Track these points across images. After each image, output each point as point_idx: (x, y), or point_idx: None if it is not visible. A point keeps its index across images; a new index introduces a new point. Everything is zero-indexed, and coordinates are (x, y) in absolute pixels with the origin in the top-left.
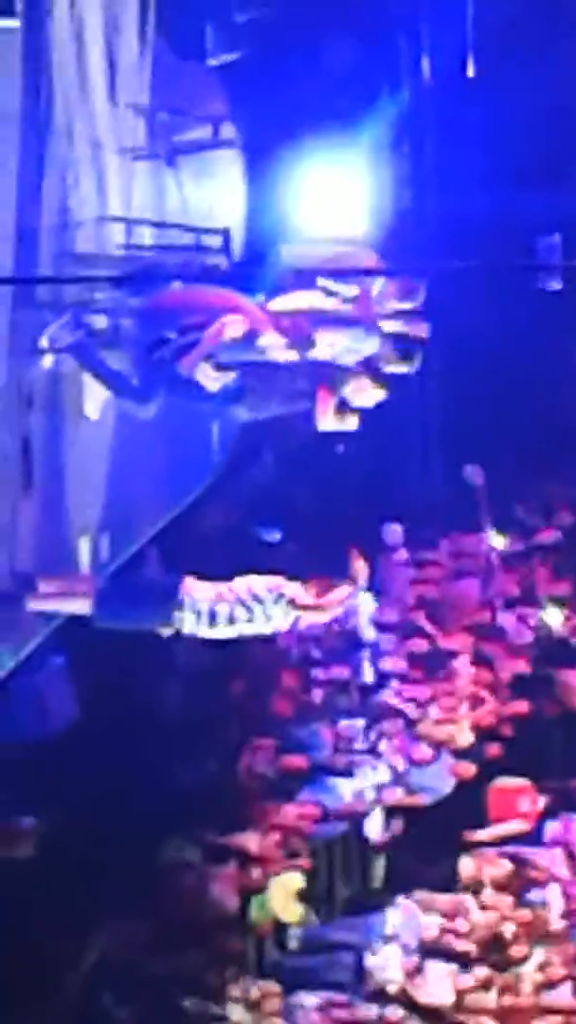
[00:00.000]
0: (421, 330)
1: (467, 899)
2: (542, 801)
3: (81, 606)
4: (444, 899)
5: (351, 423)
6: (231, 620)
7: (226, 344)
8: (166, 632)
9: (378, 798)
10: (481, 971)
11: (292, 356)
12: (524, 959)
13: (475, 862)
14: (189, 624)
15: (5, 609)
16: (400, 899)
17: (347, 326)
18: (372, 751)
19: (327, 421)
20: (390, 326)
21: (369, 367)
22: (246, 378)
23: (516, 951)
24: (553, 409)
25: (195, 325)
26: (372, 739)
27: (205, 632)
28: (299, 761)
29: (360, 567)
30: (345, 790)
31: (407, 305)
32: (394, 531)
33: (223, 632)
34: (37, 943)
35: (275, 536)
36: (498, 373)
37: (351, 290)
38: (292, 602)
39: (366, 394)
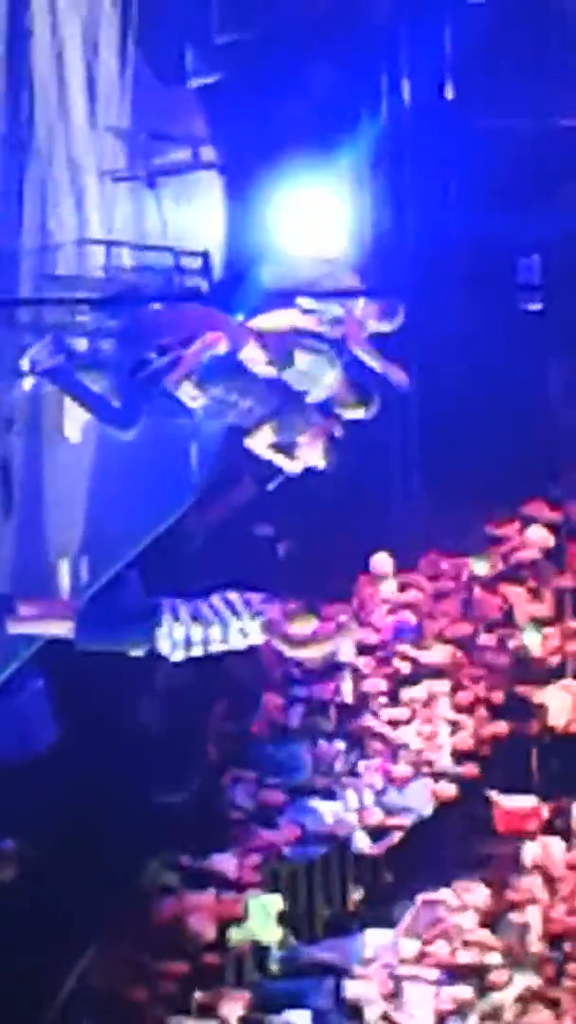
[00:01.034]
0: (398, 374)
1: (448, 923)
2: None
3: (62, 628)
4: (425, 922)
5: (293, 467)
6: (206, 643)
7: (206, 362)
8: (141, 652)
9: (359, 820)
10: (462, 994)
11: (271, 372)
12: (505, 984)
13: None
14: (165, 647)
15: None
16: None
17: (314, 352)
18: (352, 772)
19: (256, 444)
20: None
21: (325, 410)
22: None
23: (496, 976)
24: (532, 430)
25: (176, 344)
26: (352, 760)
27: (180, 656)
28: (277, 797)
29: (349, 628)
30: (326, 812)
31: (386, 326)
32: (383, 560)
33: (198, 652)
34: (15, 969)
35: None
36: (478, 393)
37: (333, 311)
38: (268, 625)
39: (312, 453)
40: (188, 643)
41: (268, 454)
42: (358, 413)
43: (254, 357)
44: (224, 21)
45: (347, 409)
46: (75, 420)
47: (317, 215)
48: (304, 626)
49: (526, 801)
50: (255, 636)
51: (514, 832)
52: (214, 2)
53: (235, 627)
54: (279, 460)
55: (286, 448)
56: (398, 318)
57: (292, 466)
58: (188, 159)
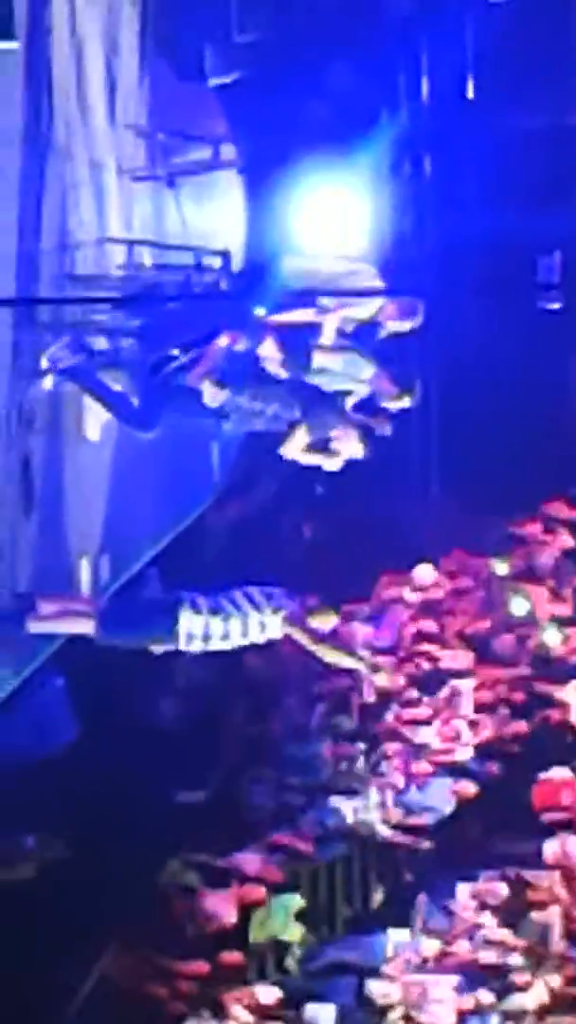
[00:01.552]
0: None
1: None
2: None
3: (83, 626)
4: (445, 922)
5: (333, 464)
6: (225, 636)
7: (227, 360)
8: (162, 648)
9: (380, 818)
10: (485, 995)
11: (285, 373)
12: (527, 986)
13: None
14: (184, 641)
15: (6, 629)
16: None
17: (343, 351)
18: (373, 771)
19: (292, 451)
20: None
21: (370, 406)
22: (244, 385)
23: (519, 978)
24: (553, 429)
25: (196, 342)
26: (373, 760)
27: (198, 647)
28: (298, 796)
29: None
30: (347, 811)
31: (407, 325)
32: (426, 572)
33: (217, 645)
34: (35, 966)
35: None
36: (497, 392)
37: (361, 312)
38: (289, 618)
39: (349, 444)
40: (207, 636)
41: (307, 458)
42: (404, 402)
43: (271, 354)
44: (243, 20)
45: (392, 401)
46: (95, 419)
47: (337, 214)
48: (325, 622)
49: (561, 772)
50: (274, 629)
51: (549, 805)
52: (233, 1)
53: (255, 620)
54: (319, 460)
55: (322, 447)
56: (418, 317)
57: (332, 463)
58: (208, 158)
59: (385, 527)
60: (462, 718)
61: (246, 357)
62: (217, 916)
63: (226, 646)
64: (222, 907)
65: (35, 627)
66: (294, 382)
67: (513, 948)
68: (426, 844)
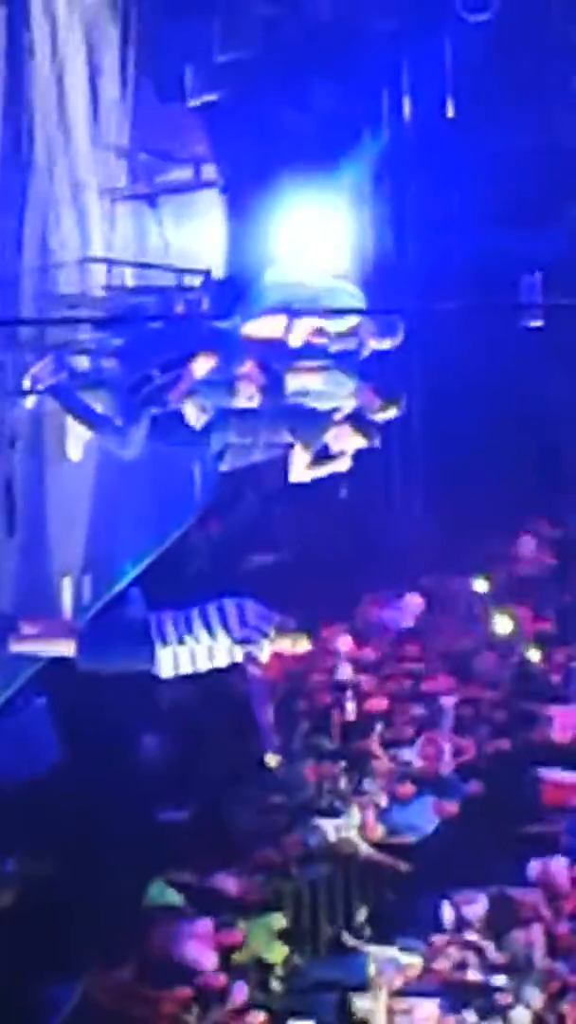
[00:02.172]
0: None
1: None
2: None
3: (64, 648)
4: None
5: (342, 465)
6: (193, 663)
7: (205, 382)
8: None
9: (362, 836)
10: (467, 1014)
11: (261, 402)
12: (510, 1006)
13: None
14: (167, 666)
15: None
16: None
17: (322, 370)
18: (356, 791)
19: (299, 473)
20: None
21: (356, 418)
22: (224, 422)
23: (502, 998)
24: (534, 447)
25: (176, 361)
26: (355, 779)
27: (186, 669)
28: (280, 816)
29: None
30: (329, 830)
31: (386, 343)
32: (415, 603)
33: (202, 667)
34: (17, 987)
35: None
36: (479, 411)
37: (338, 325)
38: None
39: (348, 440)
40: (176, 665)
41: (317, 473)
42: (390, 413)
43: (245, 392)
44: (225, 40)
45: (378, 413)
46: (77, 439)
47: (318, 233)
48: (295, 646)
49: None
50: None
51: (560, 804)
52: (215, 21)
53: (223, 647)
54: (330, 469)
55: (324, 456)
56: (398, 336)
57: (342, 464)
58: (189, 178)
59: (367, 545)
60: (444, 736)
61: (226, 383)
62: (198, 963)
63: (200, 669)
64: (201, 953)
65: (16, 647)
66: (276, 406)
67: (496, 966)
68: (404, 866)
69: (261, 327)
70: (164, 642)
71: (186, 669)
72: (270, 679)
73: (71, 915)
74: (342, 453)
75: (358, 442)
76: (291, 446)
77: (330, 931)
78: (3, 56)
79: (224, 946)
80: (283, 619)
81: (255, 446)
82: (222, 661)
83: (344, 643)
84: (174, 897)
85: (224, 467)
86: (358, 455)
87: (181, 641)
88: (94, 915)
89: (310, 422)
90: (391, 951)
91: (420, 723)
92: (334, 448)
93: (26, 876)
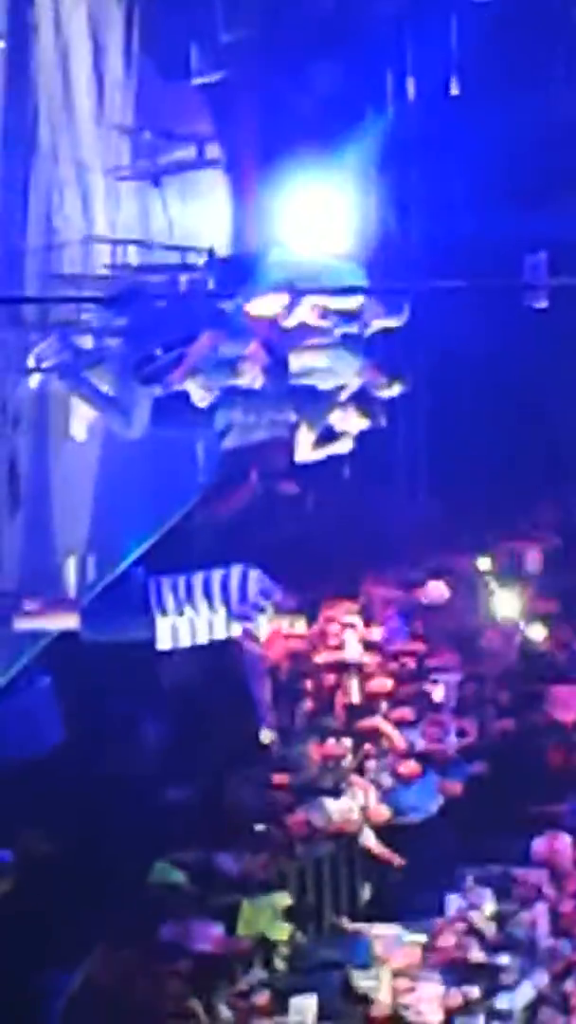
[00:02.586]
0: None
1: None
2: None
3: (68, 622)
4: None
5: (344, 446)
6: (211, 630)
7: (208, 361)
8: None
9: (366, 818)
10: (471, 991)
11: (265, 383)
12: (514, 984)
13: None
14: (166, 637)
15: None
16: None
17: (327, 348)
18: (359, 770)
19: (304, 452)
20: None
21: (361, 395)
22: (229, 401)
23: (506, 976)
24: (539, 429)
25: (179, 340)
26: (359, 758)
27: (185, 642)
28: (285, 795)
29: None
30: (333, 810)
31: (392, 322)
32: (440, 588)
33: (202, 639)
34: (21, 968)
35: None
36: (484, 392)
37: (345, 303)
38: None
39: (351, 421)
40: (175, 636)
41: (319, 453)
42: (394, 391)
43: (248, 371)
44: (229, 19)
45: (383, 390)
46: (81, 419)
47: (322, 212)
48: (292, 626)
49: None
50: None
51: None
52: (218, 0)
53: (220, 619)
54: (334, 450)
55: (328, 436)
56: (403, 314)
57: (344, 445)
58: (193, 157)
59: (371, 526)
60: (448, 716)
61: (229, 363)
62: (201, 942)
63: (199, 641)
64: (205, 933)
65: (21, 624)
66: (281, 386)
67: (499, 946)
68: (399, 861)
69: (264, 306)
70: (164, 612)
71: (185, 642)
72: (269, 656)
73: (74, 895)
74: (345, 434)
75: (362, 423)
76: (295, 426)
77: (334, 911)
78: (7, 36)
79: (235, 951)
80: (284, 597)
81: (259, 425)
82: (221, 634)
83: (349, 622)
84: (177, 876)
85: (228, 442)
86: (362, 435)
87: (180, 612)
88: (98, 895)
89: (315, 402)
90: (394, 929)
91: (424, 703)
92: (339, 428)
93: (29, 856)
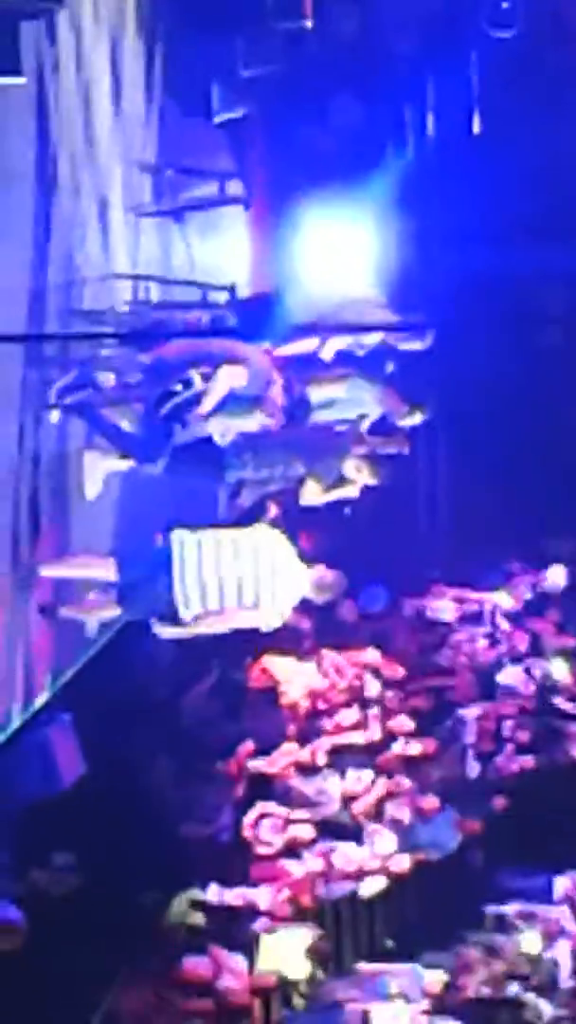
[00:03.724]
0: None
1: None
2: None
3: (105, 572)
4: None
5: (351, 491)
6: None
7: (229, 397)
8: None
9: (384, 867)
10: None
11: (284, 424)
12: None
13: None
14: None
15: None
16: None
17: (343, 378)
18: (379, 806)
19: (310, 499)
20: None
21: (383, 428)
22: (242, 457)
23: (527, 1015)
24: (559, 460)
25: (201, 378)
26: (379, 794)
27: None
28: (305, 832)
29: None
30: (353, 851)
31: (417, 344)
32: (449, 607)
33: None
34: (41, 1006)
35: None
36: (503, 423)
37: (369, 338)
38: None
39: (362, 475)
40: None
41: (327, 498)
42: (416, 419)
43: (267, 420)
44: (249, 56)
45: (404, 418)
46: (94, 479)
47: (343, 249)
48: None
49: None
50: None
51: None
52: (240, 37)
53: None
54: (340, 494)
55: (338, 483)
56: (428, 339)
57: (351, 491)
58: (214, 194)
59: (388, 557)
60: (468, 751)
61: (249, 400)
62: (221, 979)
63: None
64: (225, 969)
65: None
66: (289, 436)
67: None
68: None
69: (292, 350)
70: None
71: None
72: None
73: (94, 931)
74: (353, 481)
75: (371, 478)
76: (302, 478)
77: (354, 949)
78: (29, 72)
79: (258, 987)
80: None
81: (271, 480)
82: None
83: (369, 657)
84: (197, 913)
85: (243, 500)
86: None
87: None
88: (118, 932)
89: (323, 452)
90: (411, 967)
91: (443, 738)
92: (349, 476)
93: (51, 891)
